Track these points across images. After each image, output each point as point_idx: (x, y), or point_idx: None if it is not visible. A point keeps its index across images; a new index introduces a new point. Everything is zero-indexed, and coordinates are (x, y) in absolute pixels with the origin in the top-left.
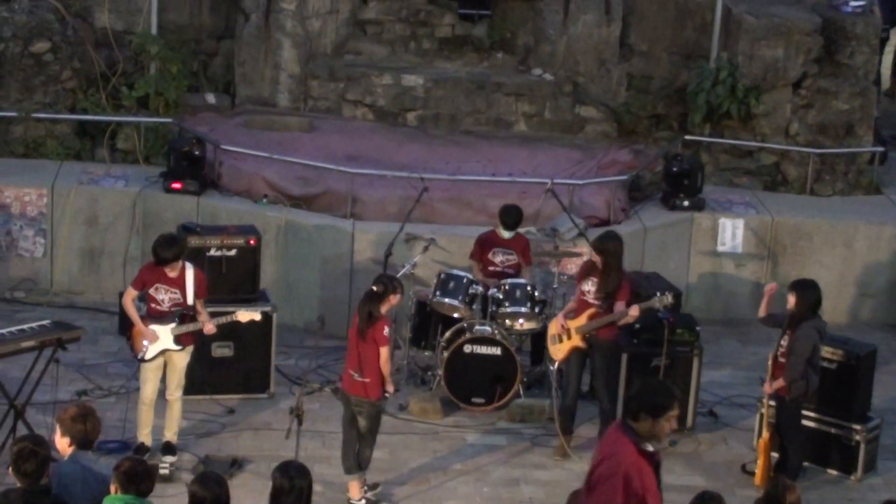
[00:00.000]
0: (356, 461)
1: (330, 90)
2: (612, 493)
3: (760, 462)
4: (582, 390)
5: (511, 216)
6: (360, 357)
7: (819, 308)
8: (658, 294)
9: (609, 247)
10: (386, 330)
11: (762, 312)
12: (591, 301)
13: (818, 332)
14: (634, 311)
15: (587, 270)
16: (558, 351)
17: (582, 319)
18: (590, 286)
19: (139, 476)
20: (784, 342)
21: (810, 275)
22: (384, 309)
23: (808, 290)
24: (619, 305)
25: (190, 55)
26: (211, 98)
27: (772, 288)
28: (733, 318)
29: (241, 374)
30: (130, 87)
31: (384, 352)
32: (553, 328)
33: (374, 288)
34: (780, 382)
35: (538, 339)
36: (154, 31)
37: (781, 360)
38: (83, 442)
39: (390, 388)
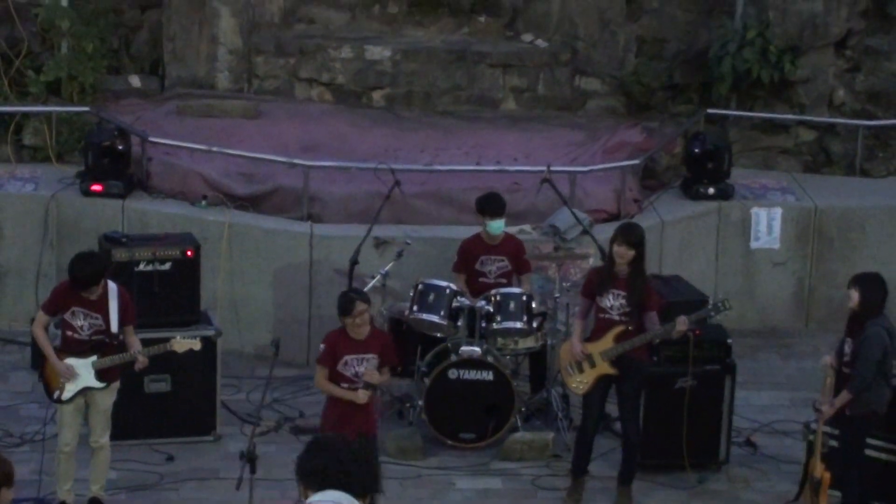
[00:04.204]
0: None
1: (279, 67)
2: None
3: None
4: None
5: (492, 202)
6: None
7: (884, 306)
8: (711, 301)
9: (641, 239)
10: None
11: None
12: (616, 318)
13: (888, 332)
14: (682, 324)
15: (601, 280)
16: (580, 383)
17: (607, 342)
18: (611, 300)
19: None
20: (848, 349)
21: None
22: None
23: (873, 284)
24: (652, 318)
25: (108, 30)
26: (135, 81)
27: None
28: (772, 327)
29: (180, 413)
30: (38, 71)
31: None
32: (566, 356)
33: None
34: (844, 396)
35: (538, 360)
36: (64, 1)
37: (847, 371)
38: None
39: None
